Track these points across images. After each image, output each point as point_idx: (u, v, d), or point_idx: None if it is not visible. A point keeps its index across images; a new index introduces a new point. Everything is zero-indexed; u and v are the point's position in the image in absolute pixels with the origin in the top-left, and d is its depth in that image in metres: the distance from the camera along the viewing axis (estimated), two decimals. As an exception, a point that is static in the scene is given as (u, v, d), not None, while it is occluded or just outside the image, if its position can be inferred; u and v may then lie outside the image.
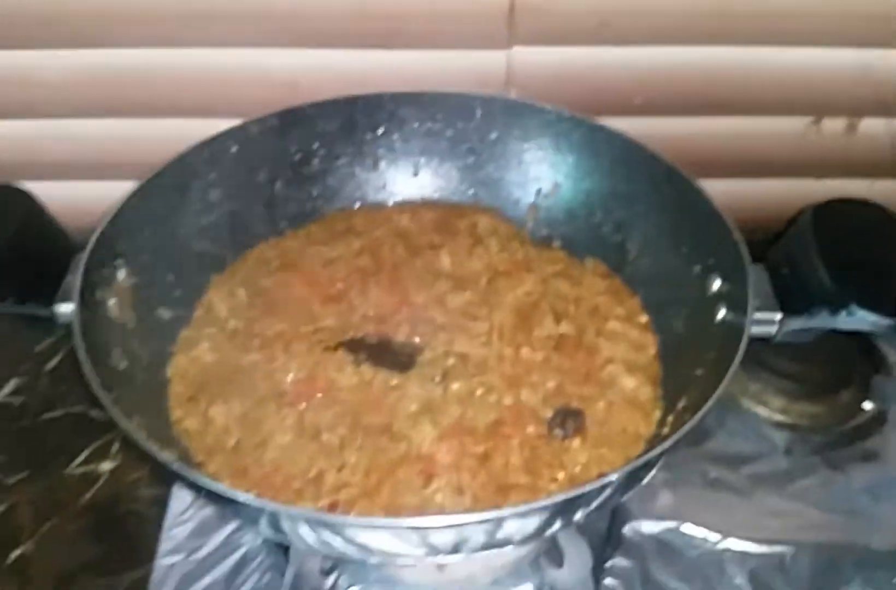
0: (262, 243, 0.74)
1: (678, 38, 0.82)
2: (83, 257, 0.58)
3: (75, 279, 0.58)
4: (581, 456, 0.58)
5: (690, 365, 0.61)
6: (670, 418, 0.60)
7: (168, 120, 0.87)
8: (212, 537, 0.67)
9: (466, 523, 0.47)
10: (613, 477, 0.48)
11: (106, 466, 0.77)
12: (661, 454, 0.49)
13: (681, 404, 0.60)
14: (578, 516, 0.50)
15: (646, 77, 0.85)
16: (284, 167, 0.75)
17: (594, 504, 0.50)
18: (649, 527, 0.66)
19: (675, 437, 0.49)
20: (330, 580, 0.60)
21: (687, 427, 0.50)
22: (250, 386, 0.62)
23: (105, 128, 0.88)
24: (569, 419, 0.60)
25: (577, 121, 0.74)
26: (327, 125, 0.75)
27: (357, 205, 0.78)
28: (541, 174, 0.77)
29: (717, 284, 0.63)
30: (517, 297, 0.68)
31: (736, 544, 0.65)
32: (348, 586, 0.62)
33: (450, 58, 0.85)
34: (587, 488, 0.48)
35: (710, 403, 0.51)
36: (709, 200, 0.64)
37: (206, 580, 0.64)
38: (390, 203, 0.79)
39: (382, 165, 0.78)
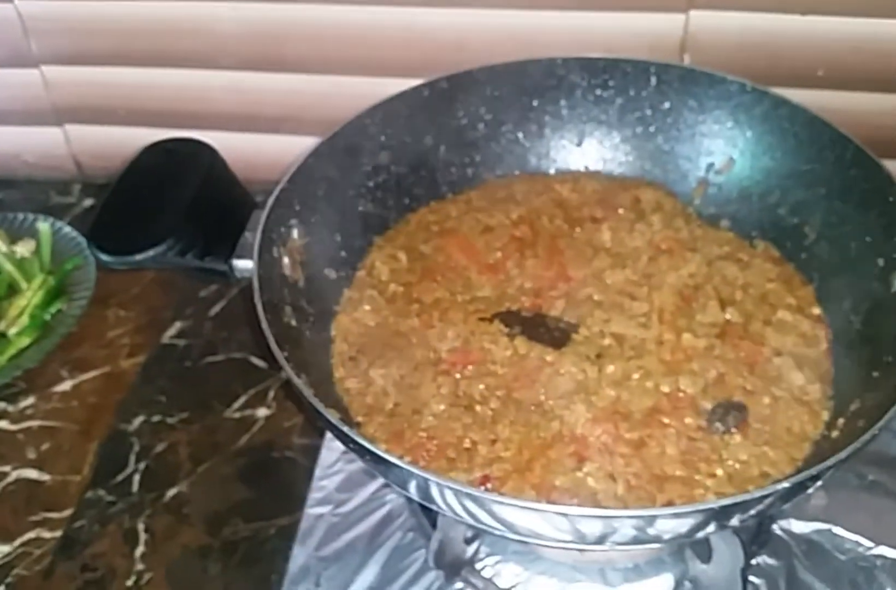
0: (423, 208, 0.74)
1: (866, 11, 0.76)
2: (263, 215, 0.60)
3: (255, 236, 0.60)
4: (741, 453, 0.56)
5: (866, 366, 0.58)
6: (841, 422, 0.57)
7: (331, 77, 0.88)
8: (358, 491, 0.70)
9: (620, 517, 0.47)
10: (785, 484, 0.46)
11: (262, 412, 0.80)
12: (835, 465, 0.47)
13: (853, 407, 0.57)
14: (734, 520, 0.49)
15: (830, 48, 0.80)
16: (450, 132, 0.74)
17: (754, 510, 0.48)
18: (799, 527, 0.64)
19: (851, 447, 0.47)
20: (471, 549, 0.61)
21: (867, 436, 0.47)
22: (408, 351, 0.63)
23: (274, 82, 0.90)
24: (731, 413, 0.58)
25: (761, 93, 0.70)
26: (496, 90, 0.74)
27: (517, 172, 0.77)
28: (714, 148, 0.73)
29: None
30: (680, 278, 0.66)
31: (889, 552, 0.62)
32: (487, 556, 0.63)
33: (622, 20, 0.82)
34: (756, 494, 0.46)
35: (890, 413, 0.48)
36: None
37: (351, 534, 0.67)
38: (551, 171, 0.77)
39: (547, 132, 0.76)
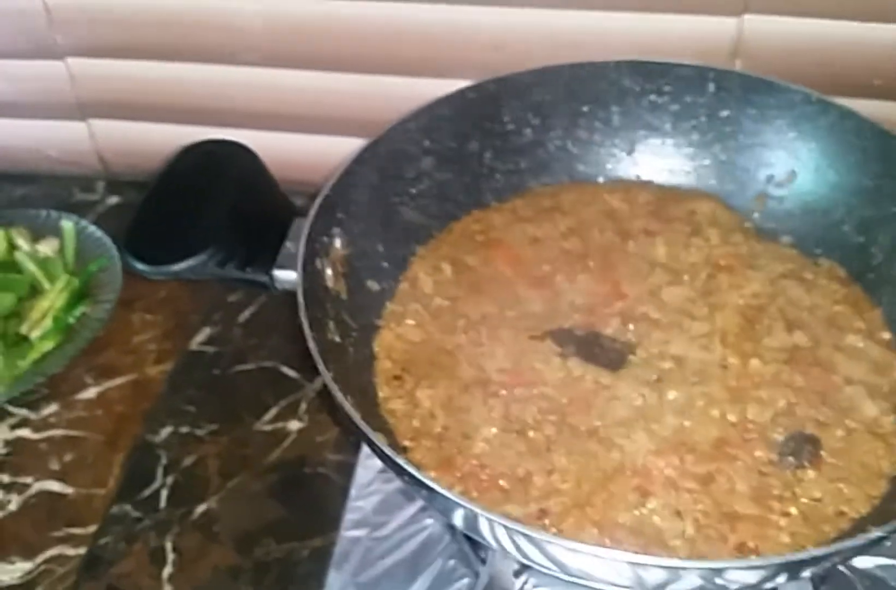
0: (466, 216, 0.71)
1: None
2: (306, 224, 0.57)
3: (296, 246, 0.57)
4: (815, 490, 0.53)
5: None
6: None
7: (366, 76, 0.85)
8: (396, 514, 0.67)
9: (688, 568, 0.44)
10: (871, 536, 0.43)
11: (294, 425, 0.77)
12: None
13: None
14: (807, 572, 0.46)
15: (888, 57, 0.76)
16: (495, 137, 0.71)
17: (830, 563, 0.45)
18: (863, 562, 0.61)
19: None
20: (520, 581, 0.58)
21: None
22: (455, 370, 0.60)
23: (307, 80, 0.86)
24: (804, 447, 0.54)
25: (826, 104, 0.67)
26: (545, 94, 0.71)
27: (565, 180, 0.74)
28: (774, 160, 0.70)
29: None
30: (742, 297, 0.63)
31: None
32: (535, 587, 0.60)
33: (672, 22, 0.78)
34: (834, 547, 0.43)
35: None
36: None
37: (389, 560, 0.64)
38: (600, 180, 0.74)
39: (597, 138, 0.73)
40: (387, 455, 0.48)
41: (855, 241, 0.66)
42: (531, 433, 0.57)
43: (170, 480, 0.73)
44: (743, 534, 0.52)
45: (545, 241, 0.68)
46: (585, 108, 0.72)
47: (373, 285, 0.64)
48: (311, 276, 0.56)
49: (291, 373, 0.81)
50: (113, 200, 0.98)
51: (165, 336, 0.84)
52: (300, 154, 0.86)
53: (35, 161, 1.00)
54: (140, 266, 0.54)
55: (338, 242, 0.60)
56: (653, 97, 0.71)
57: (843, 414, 0.56)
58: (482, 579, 0.56)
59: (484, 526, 0.47)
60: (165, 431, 0.77)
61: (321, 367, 0.50)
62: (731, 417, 0.56)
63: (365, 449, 0.71)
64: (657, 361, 0.60)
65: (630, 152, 0.73)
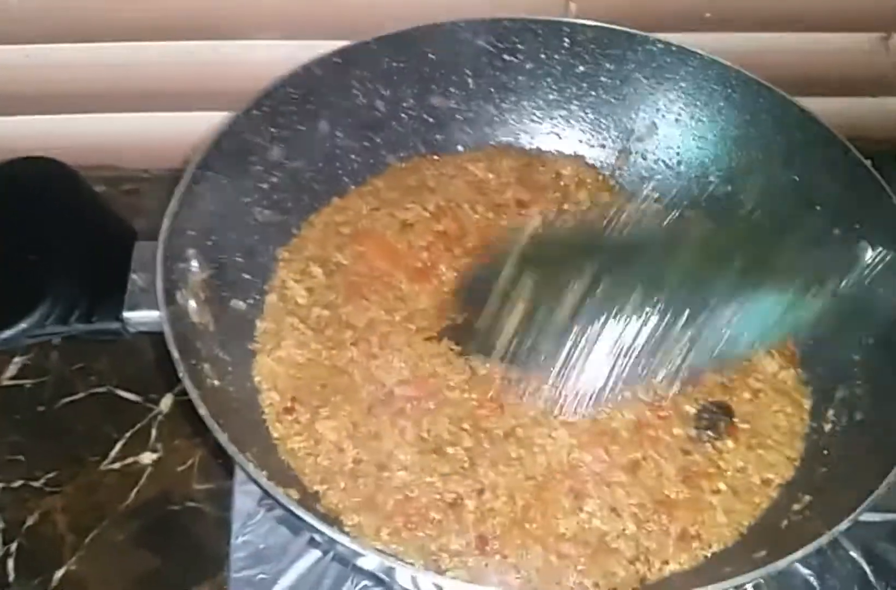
0: (326, 207, 0.63)
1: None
2: (158, 254, 0.47)
3: (145, 278, 0.47)
4: (738, 460, 0.53)
5: (842, 347, 0.56)
6: (830, 413, 0.55)
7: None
8: (292, 542, 0.59)
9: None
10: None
11: (147, 457, 0.67)
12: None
13: (839, 395, 0.55)
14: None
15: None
16: (346, 113, 0.63)
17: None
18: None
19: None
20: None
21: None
22: (353, 391, 0.54)
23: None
24: (719, 416, 0.54)
25: (687, 53, 0.64)
26: (393, 62, 0.63)
27: (423, 151, 0.67)
28: (634, 115, 0.67)
29: (868, 253, 0.56)
30: None
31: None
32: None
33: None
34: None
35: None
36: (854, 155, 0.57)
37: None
38: (460, 149, 0.68)
39: (452, 104, 0.67)
40: (313, 526, 0.42)
41: (721, 190, 0.65)
42: (450, 450, 0.52)
43: (13, 546, 0.62)
44: (682, 521, 0.51)
45: (417, 225, 0.62)
46: (437, 74, 0.65)
47: (238, 305, 0.55)
48: (176, 316, 0.46)
49: (131, 396, 0.70)
50: None
51: (-34, 375, 0.70)
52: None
53: None
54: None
55: (195, 265, 0.51)
56: (506, 56, 0.65)
57: (746, 374, 0.56)
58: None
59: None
60: (-6, 490, 0.65)
61: (217, 433, 0.42)
62: (642, 394, 0.54)
63: (240, 472, 0.63)
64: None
65: (487, 116, 0.68)
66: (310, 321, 0.56)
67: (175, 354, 0.44)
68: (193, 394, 0.43)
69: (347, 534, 0.44)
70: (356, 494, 0.50)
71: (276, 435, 0.52)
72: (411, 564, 0.45)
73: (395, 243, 0.61)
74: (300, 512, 0.42)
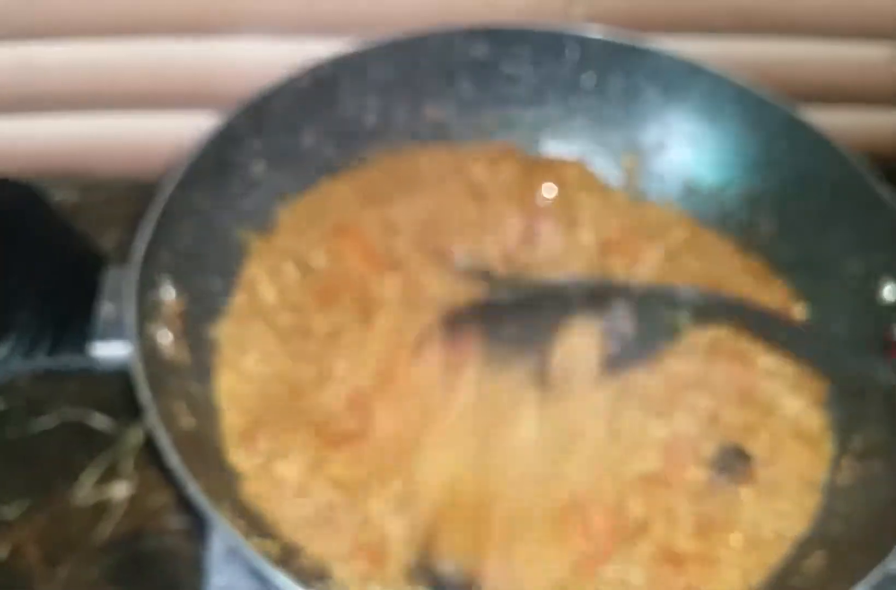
0: (308, 191, 0.58)
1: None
2: (131, 286, 0.43)
3: (114, 307, 0.43)
4: (753, 510, 0.49)
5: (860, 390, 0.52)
6: (845, 462, 0.51)
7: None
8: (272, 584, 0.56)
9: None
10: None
11: (120, 490, 0.63)
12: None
13: (855, 444, 0.51)
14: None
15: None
16: (334, 124, 0.59)
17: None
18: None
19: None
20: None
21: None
22: (319, 417, 0.49)
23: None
24: (736, 459, 0.50)
25: (699, 70, 0.60)
26: (384, 71, 0.59)
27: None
28: (644, 129, 0.63)
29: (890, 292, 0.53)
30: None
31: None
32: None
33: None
34: None
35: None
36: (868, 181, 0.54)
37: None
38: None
39: (447, 115, 0.63)
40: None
41: (740, 212, 0.61)
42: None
43: (-18, 581, 0.58)
44: (689, 577, 0.47)
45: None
46: (431, 83, 0.61)
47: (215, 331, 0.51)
48: (148, 353, 0.43)
49: (103, 423, 0.66)
50: None
51: (-72, 399, 0.66)
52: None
53: None
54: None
55: (169, 294, 0.47)
56: (507, 67, 0.62)
57: (766, 414, 0.53)
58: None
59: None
60: (-40, 520, 0.60)
61: (194, 491, 0.38)
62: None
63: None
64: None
65: (486, 128, 0.64)
66: (277, 327, 0.52)
67: (147, 395, 0.40)
68: (167, 445, 0.39)
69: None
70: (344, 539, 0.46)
71: (238, 470, 0.48)
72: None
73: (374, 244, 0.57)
74: (277, 572, 0.38)
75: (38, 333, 0.41)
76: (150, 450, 0.64)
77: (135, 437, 0.65)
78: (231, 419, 0.50)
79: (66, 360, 0.42)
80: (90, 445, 0.64)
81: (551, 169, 0.63)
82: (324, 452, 0.49)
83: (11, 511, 0.61)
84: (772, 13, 0.73)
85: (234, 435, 0.49)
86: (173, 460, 0.39)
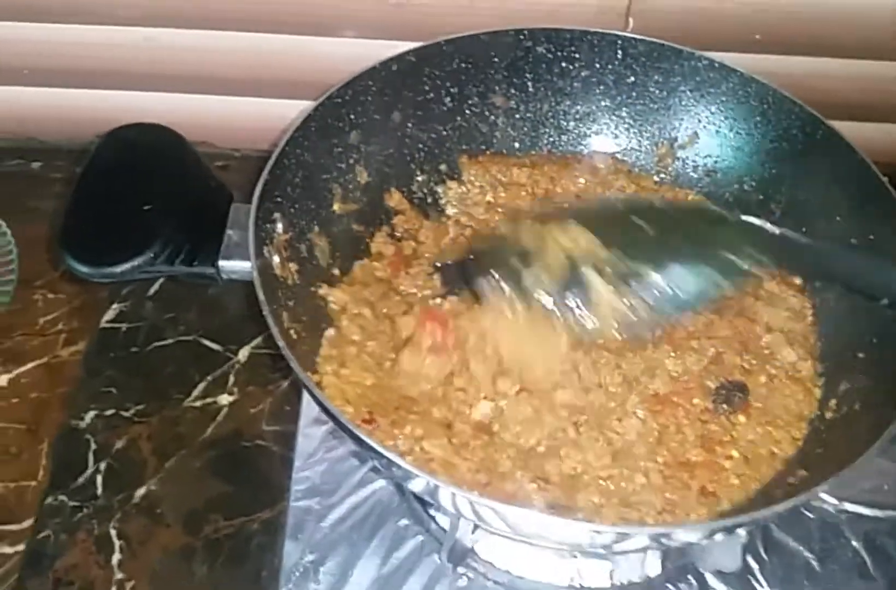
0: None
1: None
2: (251, 212, 0.55)
3: (239, 234, 0.56)
4: (749, 433, 0.59)
5: (849, 345, 0.62)
6: (833, 403, 0.60)
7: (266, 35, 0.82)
8: (344, 480, 0.68)
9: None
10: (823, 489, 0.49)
11: (224, 399, 0.76)
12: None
13: (842, 387, 0.61)
14: (743, 530, 0.52)
15: (768, 13, 0.80)
16: (417, 106, 0.71)
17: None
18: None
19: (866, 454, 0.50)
20: (475, 537, 0.61)
21: (877, 445, 0.50)
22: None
23: (188, 39, 0.82)
24: (734, 393, 0.60)
25: (729, 71, 0.70)
26: (461, 62, 0.71)
27: (483, 149, 0.75)
28: (678, 123, 0.74)
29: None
30: None
31: (852, 507, 0.68)
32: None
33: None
34: (763, 512, 0.48)
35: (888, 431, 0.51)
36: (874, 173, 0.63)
37: (344, 526, 0.66)
38: (516, 145, 0.76)
39: (512, 105, 0.75)
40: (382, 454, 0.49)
41: (754, 198, 0.71)
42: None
43: (103, 465, 0.72)
44: (701, 479, 0.57)
45: None
46: (500, 76, 0.73)
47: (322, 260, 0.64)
48: (262, 266, 0.55)
49: (214, 345, 0.80)
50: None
51: (73, 315, 0.81)
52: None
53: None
54: (82, 268, 0.51)
55: (280, 227, 0.59)
56: (564, 64, 0.73)
57: (765, 361, 0.62)
58: (447, 544, 0.59)
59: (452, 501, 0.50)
60: (89, 416, 0.75)
61: (301, 376, 0.50)
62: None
63: (304, 418, 0.72)
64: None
65: (542, 117, 0.75)
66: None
67: (261, 296, 0.52)
68: (280, 337, 0.51)
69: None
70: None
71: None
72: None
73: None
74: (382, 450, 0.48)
75: (178, 246, 0.53)
76: (251, 368, 0.78)
77: (241, 357, 0.79)
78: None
79: (198, 269, 0.55)
80: (202, 362, 0.78)
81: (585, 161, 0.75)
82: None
83: (130, 412, 0.75)
84: (803, 33, 0.81)
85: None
86: (297, 370, 0.50)
